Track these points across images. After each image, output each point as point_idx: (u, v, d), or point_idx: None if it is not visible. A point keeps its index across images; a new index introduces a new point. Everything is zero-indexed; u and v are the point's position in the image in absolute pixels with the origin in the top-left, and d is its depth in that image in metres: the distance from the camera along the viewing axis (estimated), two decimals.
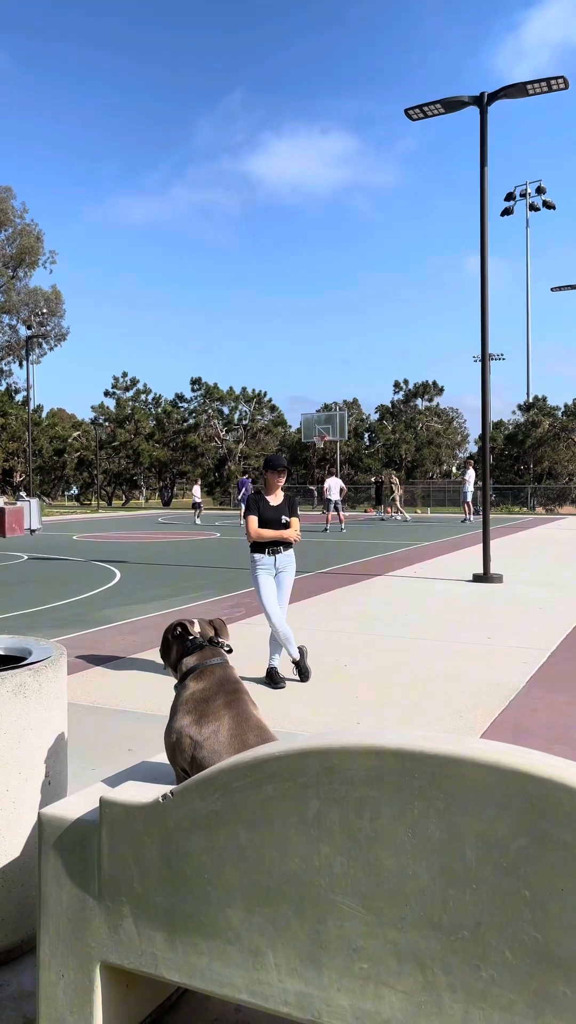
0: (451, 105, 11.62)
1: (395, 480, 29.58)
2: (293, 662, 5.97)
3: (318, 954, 1.73)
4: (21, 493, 31.79)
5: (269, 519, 5.83)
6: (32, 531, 23.87)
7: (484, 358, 11.97)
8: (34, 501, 24.47)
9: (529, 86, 11.02)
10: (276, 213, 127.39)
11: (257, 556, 5.91)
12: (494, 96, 11.40)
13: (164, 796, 1.89)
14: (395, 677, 6.00)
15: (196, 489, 29.85)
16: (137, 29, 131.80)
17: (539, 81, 10.90)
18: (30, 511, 23.97)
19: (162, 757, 2.42)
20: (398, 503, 29.62)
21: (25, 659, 2.61)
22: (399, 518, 29.94)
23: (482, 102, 11.50)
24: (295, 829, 1.73)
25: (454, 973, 1.60)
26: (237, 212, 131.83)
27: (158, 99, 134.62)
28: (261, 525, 5.83)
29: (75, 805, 2.09)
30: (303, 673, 5.94)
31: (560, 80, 10.86)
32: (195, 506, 29.51)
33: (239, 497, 28.09)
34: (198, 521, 28.74)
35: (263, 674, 6.08)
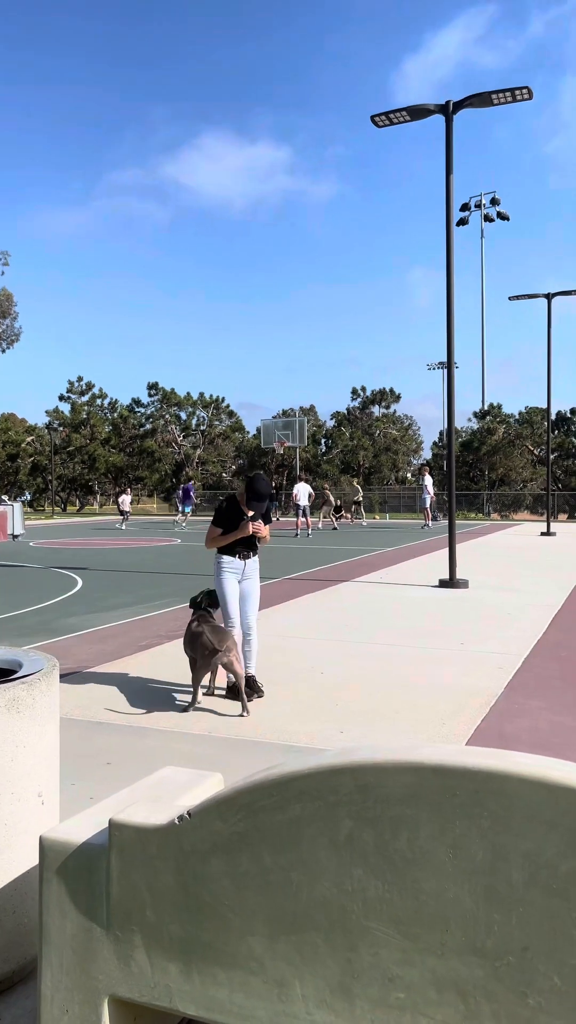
0: (417, 113, 11.67)
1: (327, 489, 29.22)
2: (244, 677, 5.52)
3: (350, 984, 1.64)
4: (3, 497, 30.94)
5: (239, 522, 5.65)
6: (15, 536, 22.70)
7: (450, 367, 12.04)
8: (16, 505, 23.16)
9: (494, 95, 11.12)
10: (208, 221, 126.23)
11: (226, 558, 5.67)
12: (459, 105, 11.48)
13: (180, 817, 1.78)
14: (372, 684, 5.93)
15: (126, 498, 30.06)
16: (57, 32, 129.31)
17: (504, 91, 11.01)
18: (12, 516, 22.74)
19: (164, 771, 2.30)
20: (328, 513, 28.52)
21: (15, 672, 2.47)
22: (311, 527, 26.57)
23: (448, 111, 11.57)
24: (325, 851, 1.64)
25: (498, 1001, 1.52)
26: (166, 221, 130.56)
27: (82, 110, 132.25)
28: (231, 528, 5.61)
29: (79, 828, 1.96)
30: (250, 693, 5.62)
31: (524, 90, 10.97)
32: (122, 514, 29.65)
33: (194, 502, 27.95)
34: (123, 527, 28.55)
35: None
